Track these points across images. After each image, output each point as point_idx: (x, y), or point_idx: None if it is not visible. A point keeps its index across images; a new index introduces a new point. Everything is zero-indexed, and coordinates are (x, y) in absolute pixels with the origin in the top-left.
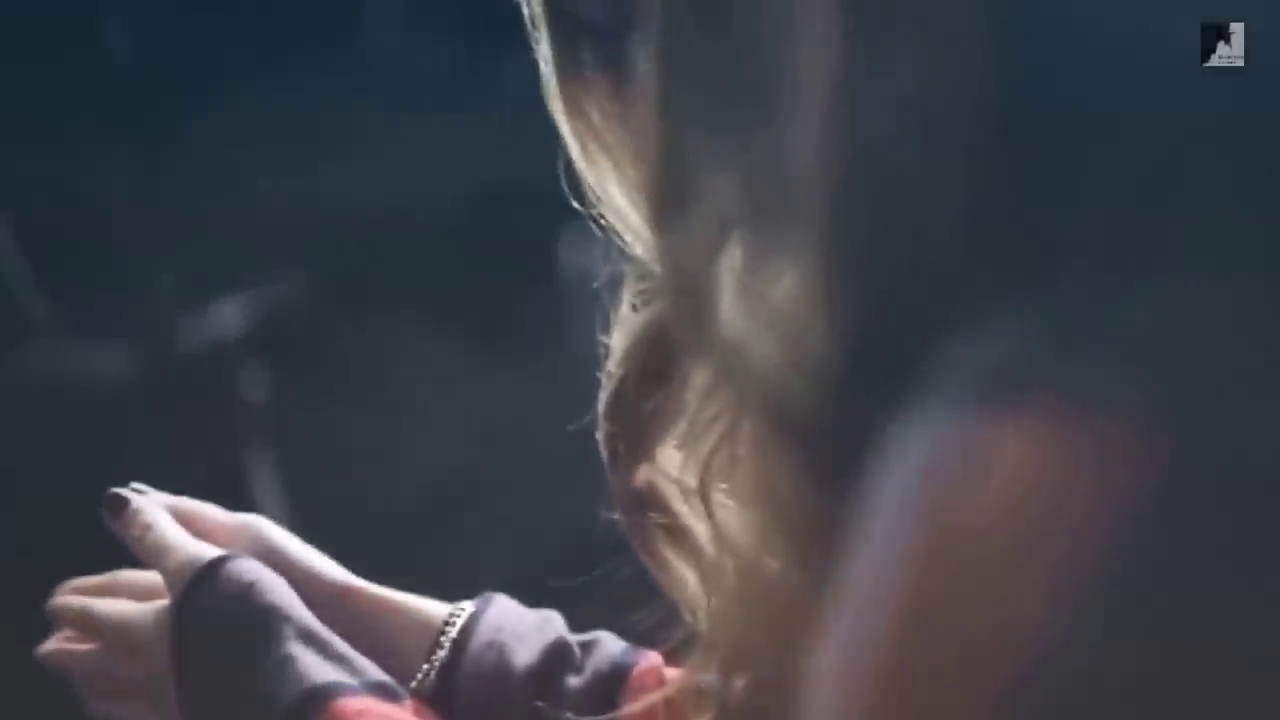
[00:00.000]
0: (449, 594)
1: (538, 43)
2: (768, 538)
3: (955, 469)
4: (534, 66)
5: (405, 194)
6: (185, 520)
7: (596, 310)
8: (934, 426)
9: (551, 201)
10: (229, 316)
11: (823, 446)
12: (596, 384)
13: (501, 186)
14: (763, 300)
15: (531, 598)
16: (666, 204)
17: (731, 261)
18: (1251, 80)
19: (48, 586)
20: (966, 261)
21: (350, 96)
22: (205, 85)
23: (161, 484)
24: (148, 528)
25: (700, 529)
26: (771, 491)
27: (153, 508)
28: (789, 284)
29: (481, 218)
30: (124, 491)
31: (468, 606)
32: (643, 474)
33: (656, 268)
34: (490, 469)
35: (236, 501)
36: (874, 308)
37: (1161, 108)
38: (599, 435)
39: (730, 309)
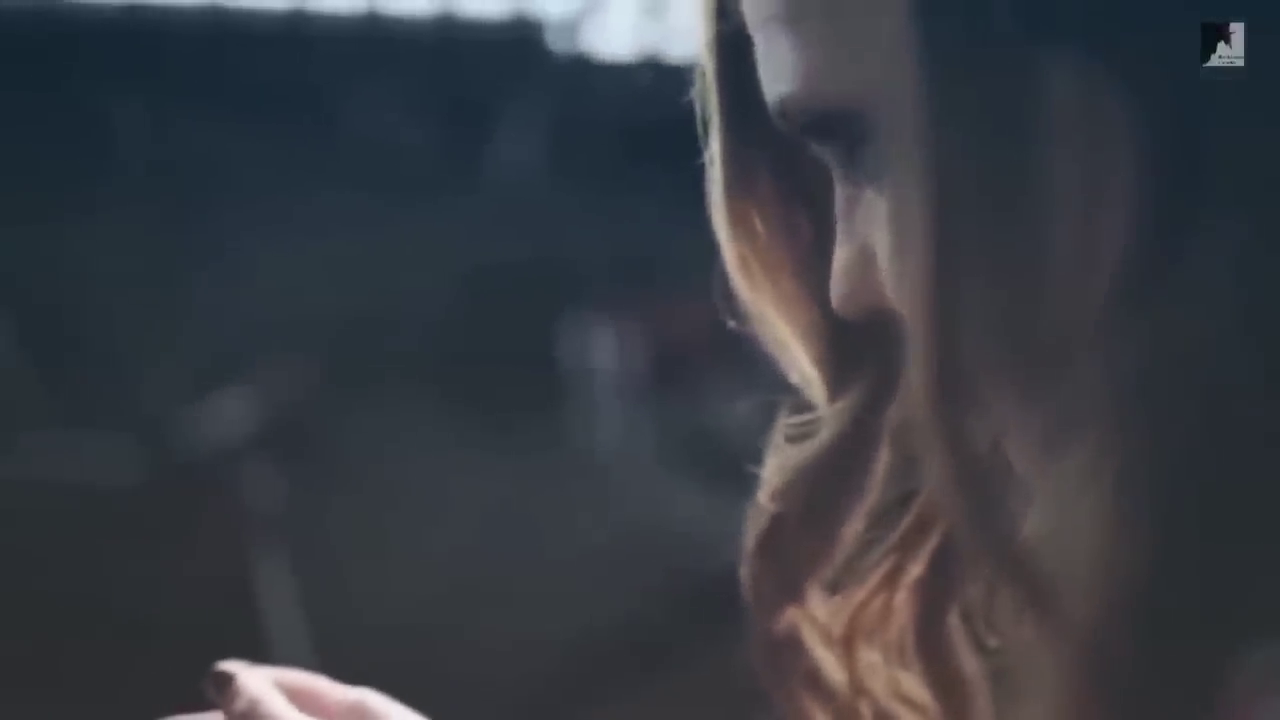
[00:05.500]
0: (463, 688)
1: (706, 145)
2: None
3: None
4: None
5: (401, 283)
6: (294, 695)
7: (593, 398)
8: None
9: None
10: (232, 411)
11: (1119, 676)
12: (596, 474)
13: (498, 274)
14: (1061, 510)
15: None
16: (943, 395)
17: (1018, 463)
18: None
19: (43, 695)
20: None
21: (344, 185)
22: (205, 177)
23: (165, 589)
24: (255, 703)
25: (840, 679)
26: (1038, 706)
27: (258, 683)
28: (1090, 494)
29: (479, 305)
30: (229, 667)
31: None
32: (788, 617)
33: (816, 402)
34: (503, 561)
35: (246, 604)
36: (1193, 533)
37: None
38: (744, 573)
39: (1018, 513)
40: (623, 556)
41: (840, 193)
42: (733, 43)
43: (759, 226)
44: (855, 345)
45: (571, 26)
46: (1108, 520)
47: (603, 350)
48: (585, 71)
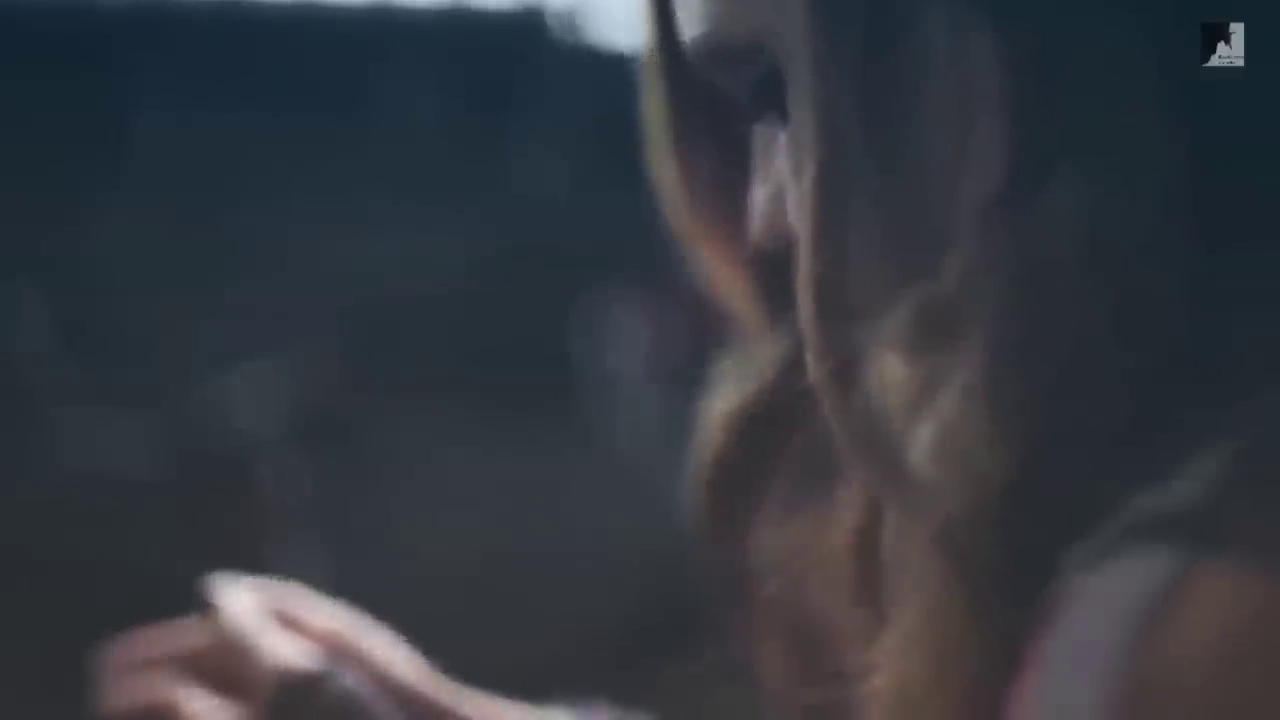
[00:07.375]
0: (489, 676)
1: (648, 95)
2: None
3: (1161, 619)
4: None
5: (423, 273)
6: (279, 617)
7: (613, 382)
8: (1131, 571)
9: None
10: (256, 404)
11: (980, 567)
12: (615, 459)
13: (514, 265)
14: (927, 412)
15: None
16: (823, 309)
17: (891, 369)
18: None
19: (72, 685)
20: (1148, 391)
21: (365, 179)
22: (234, 171)
23: (189, 575)
24: (233, 623)
25: (786, 612)
26: (916, 599)
27: (243, 607)
28: (953, 397)
29: (499, 292)
30: (217, 588)
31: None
32: (736, 550)
33: (757, 337)
34: (524, 547)
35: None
36: (1044, 435)
37: None
38: (690, 507)
39: (888, 415)
40: (643, 547)
41: (758, 133)
42: None
43: (697, 168)
44: (790, 281)
45: (579, 17)
46: (975, 420)
47: (616, 342)
48: (594, 61)
